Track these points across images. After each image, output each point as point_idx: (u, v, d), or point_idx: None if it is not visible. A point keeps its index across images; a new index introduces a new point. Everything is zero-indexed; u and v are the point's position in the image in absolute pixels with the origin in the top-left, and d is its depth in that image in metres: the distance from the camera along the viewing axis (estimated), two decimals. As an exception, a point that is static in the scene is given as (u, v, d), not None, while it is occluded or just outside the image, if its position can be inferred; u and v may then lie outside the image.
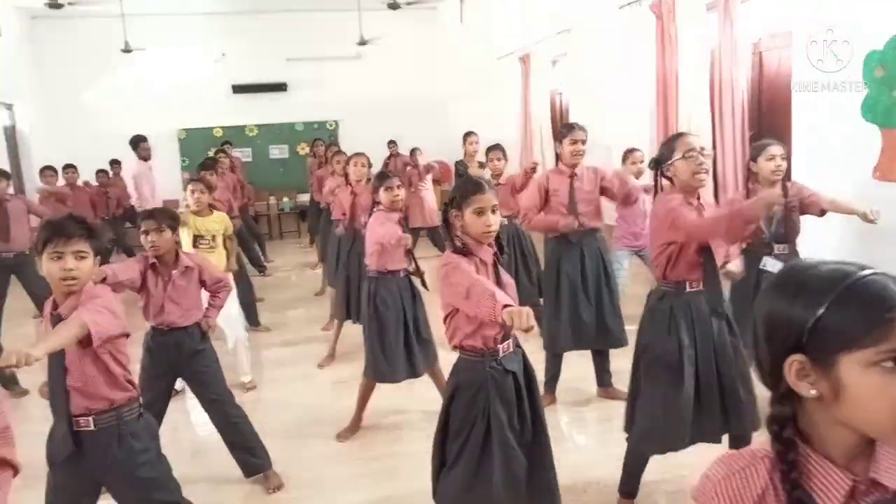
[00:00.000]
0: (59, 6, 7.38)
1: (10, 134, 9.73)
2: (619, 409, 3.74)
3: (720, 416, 2.61)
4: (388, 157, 9.56)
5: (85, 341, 1.97)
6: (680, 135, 2.68)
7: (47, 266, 2.04)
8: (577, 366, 4.05)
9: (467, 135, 6.59)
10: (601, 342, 3.86)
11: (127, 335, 2.18)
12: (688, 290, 2.60)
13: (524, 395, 2.28)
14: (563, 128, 3.91)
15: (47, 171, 7.60)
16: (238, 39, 11.36)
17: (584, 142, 3.75)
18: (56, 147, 9.87)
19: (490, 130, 7.02)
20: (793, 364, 0.91)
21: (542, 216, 3.82)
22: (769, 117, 4.89)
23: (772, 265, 3.37)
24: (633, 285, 5.43)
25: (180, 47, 11.24)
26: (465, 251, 2.21)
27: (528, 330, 1.82)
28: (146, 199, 7.74)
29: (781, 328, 0.93)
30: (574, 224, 3.71)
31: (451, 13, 11.30)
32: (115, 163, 9.40)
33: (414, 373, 3.66)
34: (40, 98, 10.50)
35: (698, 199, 2.62)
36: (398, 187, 3.61)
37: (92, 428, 2.12)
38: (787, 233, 3.41)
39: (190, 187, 4.37)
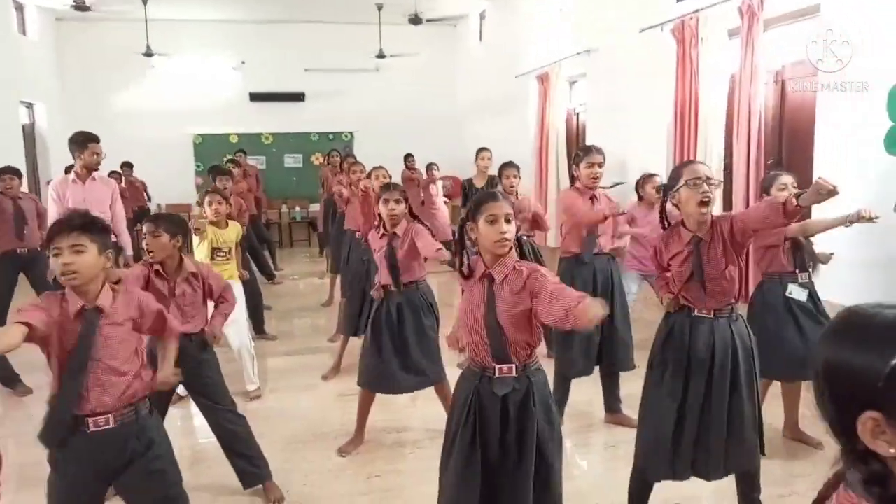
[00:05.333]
0: (86, 8, 7.45)
1: (30, 132, 9.84)
2: (626, 434, 3.69)
3: (723, 453, 2.57)
4: (405, 170, 9.56)
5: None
6: (689, 162, 2.64)
7: (52, 264, 2.03)
8: (585, 389, 3.98)
9: (480, 150, 6.56)
10: (609, 364, 3.81)
11: None
12: (696, 314, 2.59)
13: (512, 422, 2.17)
14: (580, 150, 3.87)
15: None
16: (258, 48, 11.46)
17: (601, 164, 3.72)
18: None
19: (506, 148, 7.01)
20: (867, 422, 0.83)
21: (589, 209, 3.72)
22: (790, 146, 4.84)
23: (798, 293, 3.35)
24: (644, 310, 5.38)
25: (201, 54, 11.37)
26: (468, 275, 2.25)
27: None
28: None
29: (849, 381, 0.85)
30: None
31: (472, 30, 11.35)
32: (126, 165, 9.47)
33: (410, 387, 3.58)
34: (61, 98, 10.63)
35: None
36: (396, 201, 3.50)
37: (112, 425, 2.08)
38: (809, 259, 3.44)
39: (207, 199, 4.38)
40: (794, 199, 2.27)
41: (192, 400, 3.25)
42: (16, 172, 5.40)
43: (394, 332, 3.49)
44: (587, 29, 7.17)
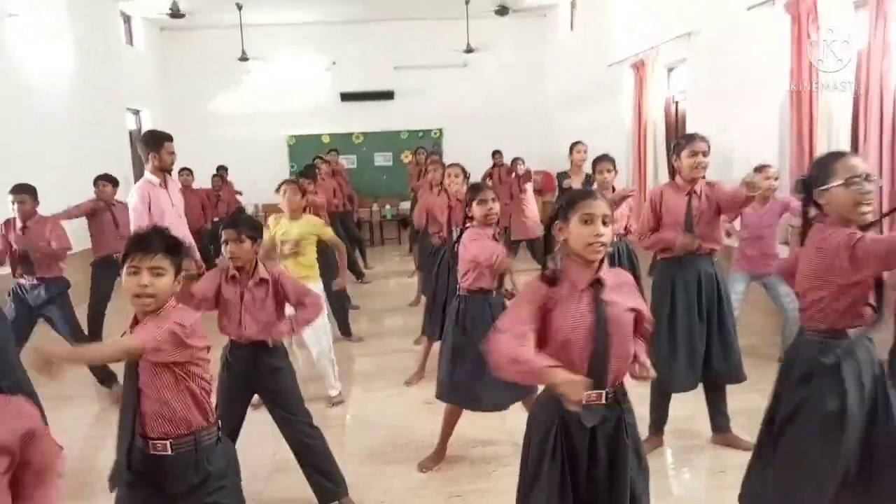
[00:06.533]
0: (181, 15, 7.69)
1: (137, 138, 10.34)
2: (736, 458, 3.32)
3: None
4: (492, 168, 9.34)
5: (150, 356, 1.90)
6: (841, 154, 2.23)
7: (125, 280, 1.94)
8: (686, 403, 3.60)
9: (574, 144, 6.25)
10: (717, 376, 3.41)
11: (208, 348, 2.05)
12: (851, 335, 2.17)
13: (602, 457, 1.92)
14: (681, 139, 3.48)
15: (184, 171, 8.04)
16: (348, 48, 11.56)
17: (706, 153, 3.30)
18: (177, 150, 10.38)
19: (599, 141, 6.63)
20: None
21: (656, 234, 3.42)
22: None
23: None
24: (751, 314, 4.91)
25: (293, 56, 11.58)
26: (553, 279, 1.93)
27: (576, 402, 1.75)
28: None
29: None
30: (693, 244, 3.29)
31: (562, 19, 10.95)
32: (222, 168, 9.75)
33: (498, 404, 3.34)
34: (164, 104, 11.12)
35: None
36: (493, 200, 3.31)
37: (169, 452, 1.99)
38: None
39: (283, 187, 4.22)
40: None
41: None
42: (110, 179, 5.59)
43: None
44: (687, 11, 6.66)
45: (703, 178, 3.37)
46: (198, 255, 4.64)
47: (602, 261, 1.94)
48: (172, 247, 1.98)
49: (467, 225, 3.40)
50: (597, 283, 1.92)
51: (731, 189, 3.31)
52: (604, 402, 1.92)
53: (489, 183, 5.99)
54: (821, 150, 4.60)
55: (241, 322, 2.86)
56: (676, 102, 7.51)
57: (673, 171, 3.50)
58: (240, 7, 9.93)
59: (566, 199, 1.97)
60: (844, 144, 4.48)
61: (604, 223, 1.88)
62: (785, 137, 5.11)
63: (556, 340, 1.93)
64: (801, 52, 4.79)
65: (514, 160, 8.01)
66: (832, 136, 4.53)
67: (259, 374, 2.89)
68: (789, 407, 2.23)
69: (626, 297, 1.96)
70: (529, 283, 1.98)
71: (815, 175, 2.21)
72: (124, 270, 1.94)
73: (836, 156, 2.24)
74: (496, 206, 3.32)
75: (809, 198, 2.22)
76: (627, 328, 1.95)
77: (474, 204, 3.32)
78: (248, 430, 3.00)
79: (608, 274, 1.96)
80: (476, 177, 5.51)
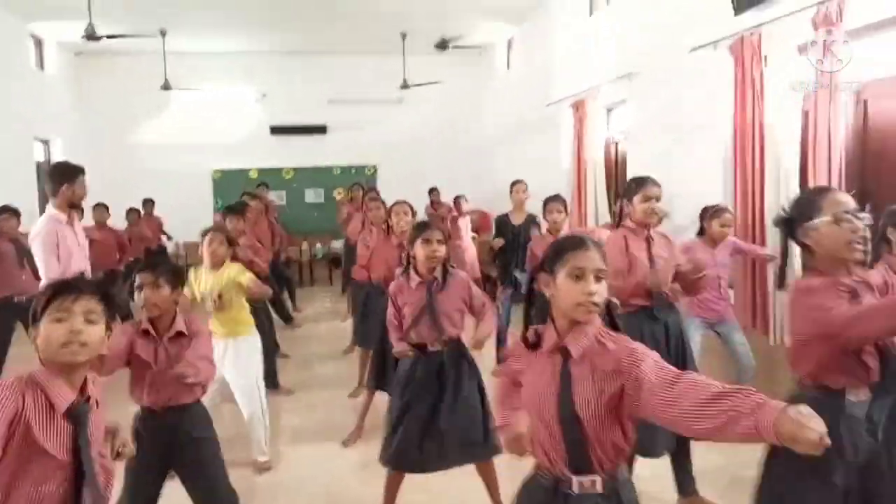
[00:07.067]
0: (98, 38, 7.13)
1: (45, 170, 9.56)
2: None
3: None
4: (429, 205, 9.10)
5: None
6: (826, 189, 2.09)
7: (47, 330, 1.58)
8: (647, 462, 3.33)
9: (515, 183, 6.07)
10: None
11: None
12: (849, 399, 1.93)
13: None
14: (633, 182, 3.34)
15: (100, 207, 7.39)
16: (279, 80, 11.19)
17: (658, 198, 3.21)
18: (91, 184, 9.64)
19: (538, 181, 6.49)
20: None
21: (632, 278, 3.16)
22: (874, 175, 4.24)
23: None
24: (703, 360, 4.76)
25: (220, 87, 11.10)
26: (536, 344, 1.68)
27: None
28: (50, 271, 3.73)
29: None
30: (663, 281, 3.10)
31: (499, 58, 10.96)
32: (147, 202, 9.11)
33: (445, 462, 3.01)
34: (78, 134, 10.37)
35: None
36: (438, 242, 3.03)
37: None
38: None
39: (208, 237, 3.70)
40: None
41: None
42: (13, 212, 5.08)
43: (435, 397, 2.96)
44: (629, 51, 6.67)
45: (656, 224, 3.27)
46: None
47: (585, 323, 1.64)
48: (108, 294, 1.68)
49: (398, 271, 3.15)
50: (563, 350, 1.63)
51: (688, 271, 3.23)
52: (599, 489, 1.61)
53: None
54: (768, 195, 4.57)
55: (156, 384, 2.41)
56: (616, 143, 7.50)
57: (618, 215, 3.35)
58: (163, 33, 9.42)
59: (554, 247, 1.69)
60: (793, 189, 4.44)
61: (597, 279, 1.60)
62: (728, 181, 5.07)
63: (527, 409, 1.70)
64: (744, 94, 4.78)
65: (457, 198, 7.78)
66: (782, 181, 4.49)
67: (178, 445, 2.45)
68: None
69: (608, 377, 1.58)
70: (513, 353, 1.74)
71: (800, 212, 2.02)
72: (45, 318, 1.59)
73: (820, 191, 2.11)
74: (441, 249, 3.05)
75: (790, 236, 2.04)
76: (597, 412, 1.58)
77: (418, 243, 3.04)
78: (168, 496, 2.55)
79: (591, 345, 1.61)
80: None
